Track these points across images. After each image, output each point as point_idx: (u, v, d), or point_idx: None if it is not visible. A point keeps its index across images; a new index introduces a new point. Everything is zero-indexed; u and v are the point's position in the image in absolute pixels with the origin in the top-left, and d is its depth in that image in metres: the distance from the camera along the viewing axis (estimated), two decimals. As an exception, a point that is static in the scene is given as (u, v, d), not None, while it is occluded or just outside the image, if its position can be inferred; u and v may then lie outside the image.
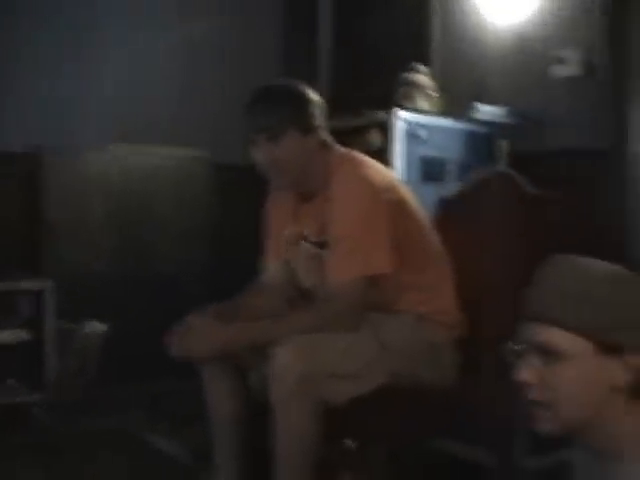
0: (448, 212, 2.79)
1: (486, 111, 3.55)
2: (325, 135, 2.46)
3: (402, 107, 3.44)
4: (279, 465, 2.18)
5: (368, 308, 2.32)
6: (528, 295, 1.37)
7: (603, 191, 3.51)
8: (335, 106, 4.24)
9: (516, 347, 1.38)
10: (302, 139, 2.37)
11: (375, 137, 3.44)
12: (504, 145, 3.58)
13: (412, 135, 3.31)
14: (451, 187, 3.13)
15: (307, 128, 2.38)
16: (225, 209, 4.14)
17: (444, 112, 3.59)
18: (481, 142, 3.57)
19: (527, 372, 1.34)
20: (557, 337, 1.31)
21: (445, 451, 3.17)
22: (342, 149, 2.48)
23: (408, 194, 2.47)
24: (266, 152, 2.35)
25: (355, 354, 2.23)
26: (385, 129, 3.38)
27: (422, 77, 3.67)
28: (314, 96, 2.43)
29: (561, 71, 3.59)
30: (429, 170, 3.38)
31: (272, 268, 2.59)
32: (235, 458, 2.54)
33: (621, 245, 3.48)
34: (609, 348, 1.29)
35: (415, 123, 3.35)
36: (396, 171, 3.23)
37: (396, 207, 2.35)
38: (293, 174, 2.39)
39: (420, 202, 2.58)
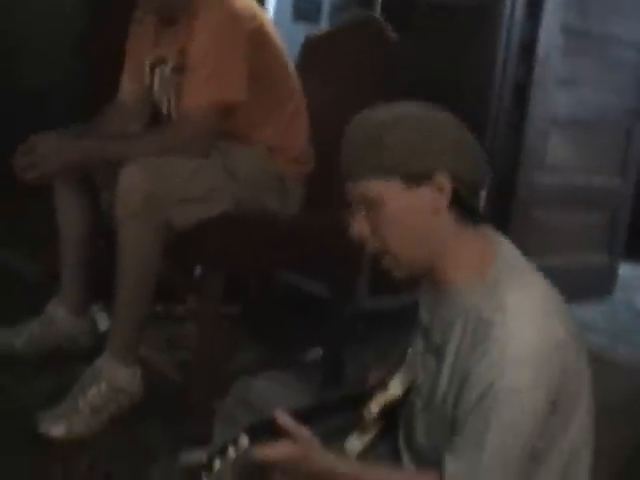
0: (312, 53, 2.82)
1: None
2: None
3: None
4: (121, 283, 2.24)
5: (219, 137, 2.36)
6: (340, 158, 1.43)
7: (473, 46, 3.61)
8: None
9: (347, 209, 1.44)
10: None
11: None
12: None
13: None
14: (322, 29, 3.14)
15: None
16: (95, 22, 3.90)
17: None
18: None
19: (358, 227, 1.41)
20: (367, 188, 1.38)
21: (291, 285, 3.33)
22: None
23: (271, 26, 2.47)
24: None
25: (201, 179, 2.28)
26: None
27: None
28: None
29: None
30: (303, 9, 3.36)
31: (128, 88, 2.58)
32: (80, 276, 2.61)
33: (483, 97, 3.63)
34: (416, 179, 1.36)
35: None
36: (268, 8, 3.21)
37: (257, 37, 2.36)
38: None
39: (291, 42, 2.59)
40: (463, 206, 1.40)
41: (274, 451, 1.29)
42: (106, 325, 2.67)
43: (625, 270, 4.97)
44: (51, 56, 3.79)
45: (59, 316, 2.60)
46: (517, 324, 1.30)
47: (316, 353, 2.92)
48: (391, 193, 1.37)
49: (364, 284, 3.11)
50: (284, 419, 1.31)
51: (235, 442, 1.26)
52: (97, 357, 2.31)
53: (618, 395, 2.88)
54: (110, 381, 2.25)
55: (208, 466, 1.25)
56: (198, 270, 2.97)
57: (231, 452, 1.25)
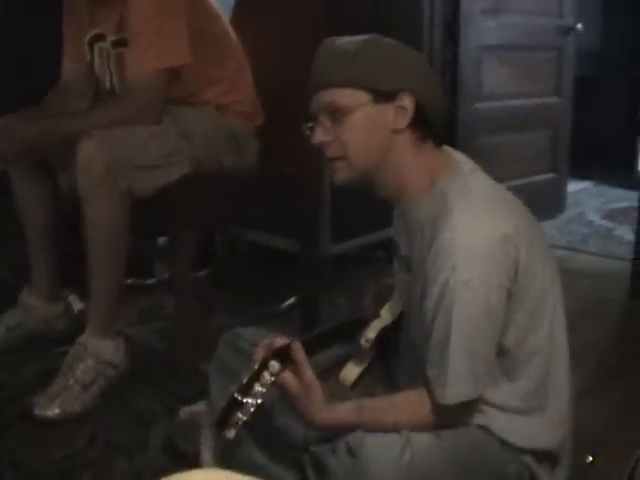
0: (245, 8, 2.83)
1: None
2: None
3: None
4: (92, 257, 2.25)
5: (169, 101, 2.38)
6: (311, 73, 1.51)
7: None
8: None
9: (309, 123, 1.51)
10: None
11: None
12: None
13: None
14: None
15: None
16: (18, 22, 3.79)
17: None
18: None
19: (321, 133, 1.49)
20: (336, 95, 1.46)
21: (257, 243, 3.38)
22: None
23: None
24: None
25: (157, 145, 2.30)
26: None
27: None
28: None
29: None
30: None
31: (69, 68, 2.57)
32: (48, 262, 2.63)
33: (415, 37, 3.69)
34: (383, 95, 1.45)
35: None
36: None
37: (193, 1, 2.38)
38: None
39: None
40: (424, 129, 1.49)
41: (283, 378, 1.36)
42: (79, 307, 2.70)
43: (573, 186, 5.11)
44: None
45: (32, 304, 2.63)
46: (462, 222, 1.38)
47: (290, 302, 2.99)
48: (358, 103, 1.45)
49: (327, 231, 3.17)
50: (299, 353, 1.38)
51: (266, 367, 1.31)
52: (76, 338, 2.33)
53: (584, 299, 3.00)
54: (96, 355, 2.28)
55: (247, 391, 1.28)
56: (162, 239, 3.02)
57: (266, 376, 1.30)
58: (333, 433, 1.44)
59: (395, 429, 1.42)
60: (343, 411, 1.46)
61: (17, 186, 2.55)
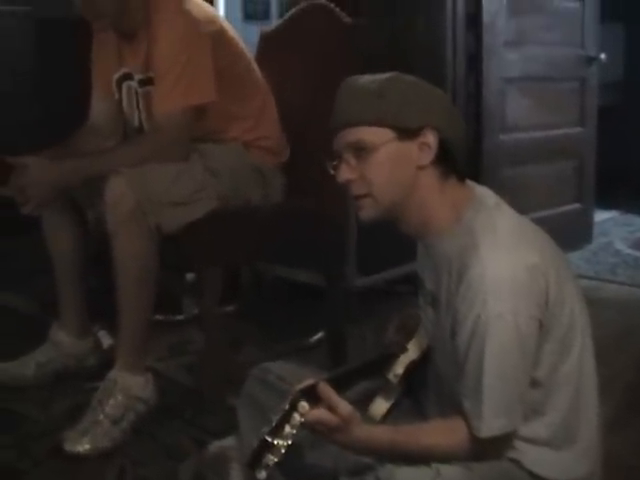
0: (269, 46, 2.87)
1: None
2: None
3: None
4: (121, 293, 2.27)
5: (196, 138, 2.41)
6: (333, 111, 1.53)
7: (422, 23, 3.69)
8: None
9: (334, 161, 1.54)
10: None
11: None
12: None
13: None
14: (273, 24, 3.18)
15: None
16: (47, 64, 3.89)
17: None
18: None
19: (346, 171, 1.51)
20: (361, 133, 1.48)
21: (283, 277, 3.39)
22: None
23: (229, 26, 2.53)
24: None
25: (185, 181, 2.32)
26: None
27: None
28: None
29: None
30: (252, 9, 3.41)
31: (99, 106, 2.62)
32: (77, 298, 2.65)
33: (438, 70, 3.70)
34: (407, 132, 1.47)
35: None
36: (218, 10, 3.25)
37: (218, 38, 2.41)
38: (111, 13, 2.37)
39: (244, 40, 2.65)
40: (447, 164, 1.51)
41: (313, 414, 1.36)
42: (109, 342, 2.72)
43: (600, 216, 5.09)
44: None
45: (62, 340, 2.65)
46: (491, 257, 1.39)
47: (317, 336, 3.00)
48: (383, 140, 1.47)
49: (353, 265, 3.18)
50: (325, 390, 1.37)
51: (295, 408, 1.32)
52: (105, 374, 2.34)
53: (612, 329, 2.98)
54: (125, 391, 2.29)
55: (278, 432, 1.30)
56: (189, 276, 3.03)
57: (296, 417, 1.31)
58: (364, 466, 1.44)
59: (429, 453, 1.43)
60: (379, 430, 1.49)
61: (46, 221, 2.57)
